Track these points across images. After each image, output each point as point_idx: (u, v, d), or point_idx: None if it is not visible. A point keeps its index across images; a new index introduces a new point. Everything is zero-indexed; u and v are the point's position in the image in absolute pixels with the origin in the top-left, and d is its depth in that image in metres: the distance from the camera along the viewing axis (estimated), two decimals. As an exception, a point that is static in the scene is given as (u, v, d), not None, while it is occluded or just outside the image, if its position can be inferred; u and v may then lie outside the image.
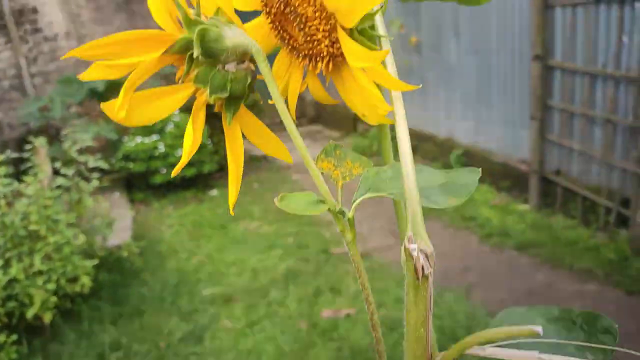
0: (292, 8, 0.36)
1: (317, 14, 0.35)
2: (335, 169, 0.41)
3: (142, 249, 4.04)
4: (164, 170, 5.03)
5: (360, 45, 0.33)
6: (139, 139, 5.03)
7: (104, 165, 3.60)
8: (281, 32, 0.39)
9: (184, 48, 0.34)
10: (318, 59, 0.37)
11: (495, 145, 4.27)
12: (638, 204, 3.09)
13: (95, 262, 3.26)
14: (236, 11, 0.38)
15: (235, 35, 0.34)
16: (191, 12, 0.34)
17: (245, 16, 0.39)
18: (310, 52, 0.37)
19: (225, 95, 0.34)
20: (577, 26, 3.29)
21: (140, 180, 5.16)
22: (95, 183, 3.55)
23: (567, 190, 3.64)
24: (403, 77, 0.34)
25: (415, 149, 3.40)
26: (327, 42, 0.36)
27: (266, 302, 3.32)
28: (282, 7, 0.37)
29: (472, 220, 4.04)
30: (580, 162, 3.56)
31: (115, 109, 0.32)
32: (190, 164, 4.99)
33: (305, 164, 0.38)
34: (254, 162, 5.76)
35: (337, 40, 0.35)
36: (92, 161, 3.44)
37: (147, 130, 5.17)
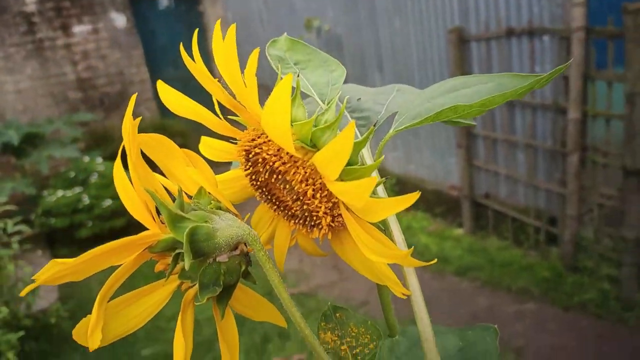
0: (277, 177, 0.34)
1: (317, 194, 0.32)
2: (341, 342, 0.38)
3: (72, 311, 3.76)
4: (90, 223, 4.75)
5: (379, 242, 0.31)
6: (60, 193, 4.73)
7: (24, 228, 3.35)
8: (268, 195, 0.37)
9: (168, 247, 0.29)
10: (315, 228, 0.35)
11: (427, 173, 4.39)
12: (564, 222, 3.26)
13: (21, 334, 2.99)
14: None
15: (227, 226, 0.30)
16: (173, 206, 0.30)
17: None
18: (307, 221, 0.35)
19: (218, 291, 0.30)
20: (492, 59, 3.48)
21: (64, 236, 4.84)
22: (15, 247, 3.28)
23: (498, 212, 3.79)
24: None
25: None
26: (328, 219, 0.33)
27: (212, 356, 3.17)
28: (268, 175, 0.34)
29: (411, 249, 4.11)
30: (506, 185, 3.72)
31: (89, 330, 0.27)
32: (120, 214, 4.75)
33: (305, 340, 0.34)
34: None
35: (338, 216, 0.33)
36: (11, 226, 3.18)
37: (68, 182, 4.88)
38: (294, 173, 0.33)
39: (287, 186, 0.34)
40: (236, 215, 0.33)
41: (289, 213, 0.36)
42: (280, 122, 0.29)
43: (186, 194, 0.33)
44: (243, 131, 0.36)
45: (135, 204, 0.28)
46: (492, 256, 3.73)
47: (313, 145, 0.34)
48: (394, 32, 4.23)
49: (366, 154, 0.39)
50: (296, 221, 0.36)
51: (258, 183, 0.36)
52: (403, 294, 0.34)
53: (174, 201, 0.30)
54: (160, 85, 0.35)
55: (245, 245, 0.32)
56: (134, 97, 0.31)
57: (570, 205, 3.17)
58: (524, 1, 3.18)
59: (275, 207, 0.37)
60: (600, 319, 3.02)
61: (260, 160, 0.34)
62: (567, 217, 3.21)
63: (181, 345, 0.29)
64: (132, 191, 0.29)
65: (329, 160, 0.29)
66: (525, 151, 3.45)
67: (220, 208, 0.32)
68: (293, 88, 0.35)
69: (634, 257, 2.92)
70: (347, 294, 3.76)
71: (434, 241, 4.08)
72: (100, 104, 6.16)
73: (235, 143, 0.38)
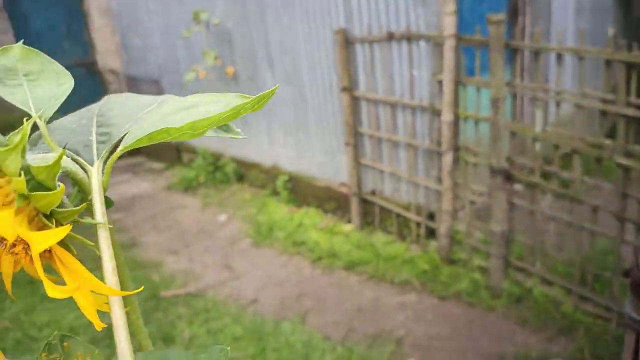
0: None
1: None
2: None
3: None
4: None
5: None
6: None
7: None
8: None
9: None
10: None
11: (317, 171, 4.47)
12: (441, 217, 3.47)
13: None
14: None
15: None
16: None
17: None
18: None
19: None
20: (375, 60, 3.61)
21: None
22: None
23: (383, 208, 3.95)
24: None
25: (243, 177, 3.44)
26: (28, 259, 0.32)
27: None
28: None
29: (302, 245, 4.16)
30: (390, 182, 3.89)
31: None
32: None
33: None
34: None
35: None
36: None
37: None
38: None
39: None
40: None
41: None
42: None
43: None
44: None
45: None
46: (378, 250, 3.88)
47: None
48: (283, 30, 4.24)
49: (95, 172, 0.36)
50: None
51: None
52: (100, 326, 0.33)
53: None
54: None
55: None
56: None
57: (445, 202, 3.38)
58: (402, 8, 3.33)
59: None
60: (472, 306, 3.26)
61: None
62: (443, 212, 3.42)
63: None
64: None
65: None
66: (407, 150, 3.62)
67: None
68: None
69: (500, 249, 3.18)
70: (237, 293, 3.73)
71: (325, 237, 4.17)
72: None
73: None
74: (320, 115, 4.26)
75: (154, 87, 5.53)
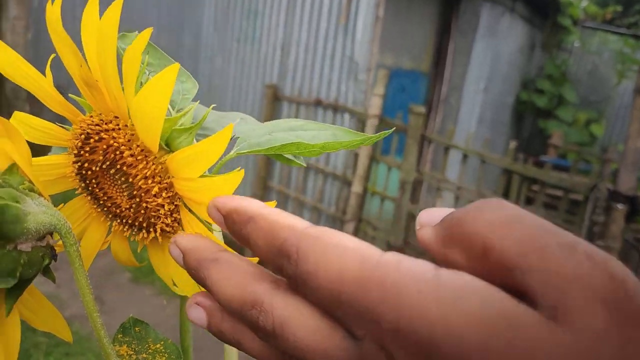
0: (119, 168, 0.32)
1: (163, 193, 0.31)
2: (137, 358, 0.36)
3: None
4: None
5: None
6: None
7: None
8: (95, 188, 0.34)
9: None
10: (144, 231, 0.33)
11: (217, 216, 4.39)
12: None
13: None
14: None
15: (40, 212, 0.27)
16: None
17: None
18: (138, 222, 0.33)
19: (12, 284, 0.26)
20: (299, 122, 3.74)
21: None
22: None
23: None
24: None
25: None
26: (168, 220, 0.32)
27: None
28: (105, 165, 0.32)
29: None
30: (289, 241, 3.93)
31: None
32: None
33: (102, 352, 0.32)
34: None
35: (177, 220, 0.32)
36: None
37: None
38: (142, 167, 0.31)
39: (126, 180, 0.32)
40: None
41: (115, 211, 0.34)
42: (155, 111, 0.27)
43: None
44: (85, 114, 0.33)
45: None
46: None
47: (167, 144, 0.33)
48: (214, 70, 4.27)
49: None
50: (123, 221, 0.34)
51: (88, 174, 0.33)
52: None
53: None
54: None
55: (52, 237, 0.29)
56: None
57: (339, 269, 3.47)
58: (334, 79, 3.53)
59: (99, 203, 0.34)
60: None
61: (103, 147, 0.31)
62: (335, 279, 3.50)
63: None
64: None
65: (200, 154, 0.28)
66: (312, 213, 3.71)
67: (33, 191, 0.28)
68: None
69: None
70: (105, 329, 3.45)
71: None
72: None
73: (64, 126, 0.34)
74: (232, 163, 4.25)
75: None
